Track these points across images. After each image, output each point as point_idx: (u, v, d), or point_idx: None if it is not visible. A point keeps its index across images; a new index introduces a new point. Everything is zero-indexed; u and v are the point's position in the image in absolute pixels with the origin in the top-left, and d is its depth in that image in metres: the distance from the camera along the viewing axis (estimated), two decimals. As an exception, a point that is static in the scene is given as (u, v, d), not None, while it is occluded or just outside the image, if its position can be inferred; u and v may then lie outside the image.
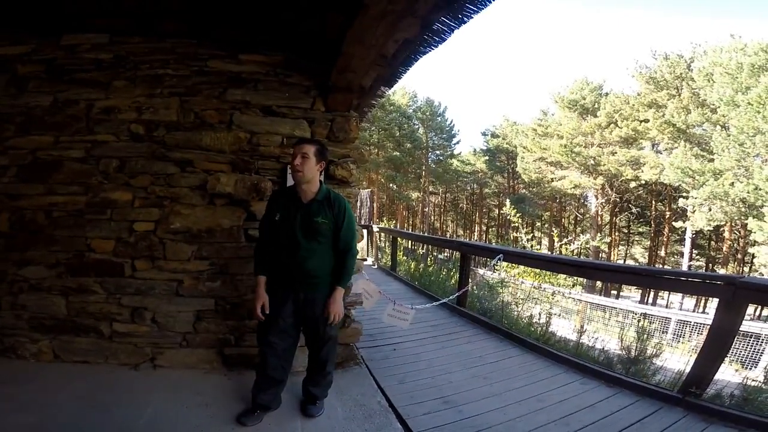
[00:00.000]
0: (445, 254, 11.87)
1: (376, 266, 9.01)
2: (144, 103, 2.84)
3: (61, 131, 2.80)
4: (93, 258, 2.79)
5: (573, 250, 9.85)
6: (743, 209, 15.79)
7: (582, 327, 5.15)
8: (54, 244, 2.78)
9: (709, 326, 2.80)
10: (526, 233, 10.99)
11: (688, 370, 2.77)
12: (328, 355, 2.37)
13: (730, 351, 3.76)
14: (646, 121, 20.97)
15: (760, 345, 7.34)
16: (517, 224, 10.17)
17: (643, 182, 22.46)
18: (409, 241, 11.19)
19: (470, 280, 5.27)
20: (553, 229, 22.76)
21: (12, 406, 2.20)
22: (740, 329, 2.91)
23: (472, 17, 2.20)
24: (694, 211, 17.98)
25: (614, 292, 22.38)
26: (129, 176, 2.81)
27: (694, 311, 14.59)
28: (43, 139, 2.80)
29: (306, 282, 2.22)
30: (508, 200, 16.07)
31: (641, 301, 18.28)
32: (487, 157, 35.48)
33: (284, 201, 2.27)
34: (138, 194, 2.81)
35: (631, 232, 30.48)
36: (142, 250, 2.80)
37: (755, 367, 6.81)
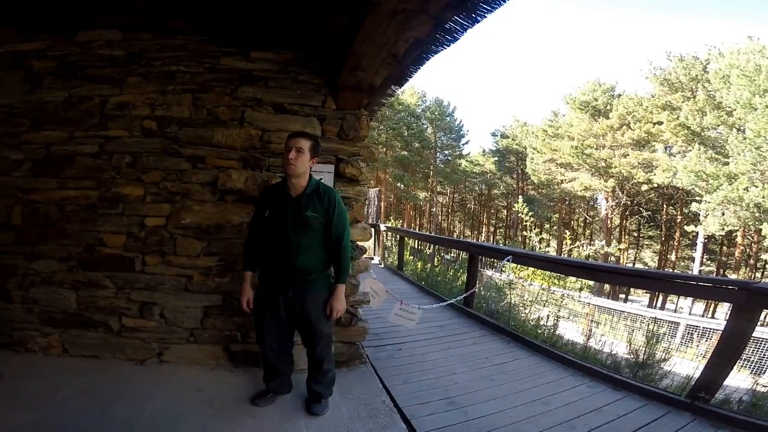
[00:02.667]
0: (452, 254, 11.81)
1: (383, 265, 9.01)
2: (157, 100, 2.86)
3: (75, 127, 2.84)
4: (104, 252, 2.82)
5: (586, 255, 9.68)
6: (758, 214, 15.51)
7: (590, 330, 5.11)
8: (65, 238, 2.81)
9: (719, 331, 2.76)
10: (536, 234, 10.90)
11: (696, 374, 2.74)
12: (323, 352, 2.35)
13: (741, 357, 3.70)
14: (660, 123, 20.66)
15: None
16: (528, 223, 10.06)
17: (655, 185, 22.15)
18: (416, 241, 11.15)
19: (478, 281, 5.24)
20: (565, 231, 22.48)
21: (18, 401, 2.22)
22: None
23: (486, 17, 2.18)
24: (707, 216, 17.70)
25: (622, 295, 22.15)
26: (141, 172, 2.84)
27: (703, 316, 14.37)
28: (56, 134, 2.83)
29: (296, 278, 2.19)
30: (520, 197, 15.91)
31: (649, 305, 18.03)
32: (496, 158, 35.30)
33: (274, 196, 2.26)
34: (149, 189, 2.84)
35: (641, 235, 30.12)
36: (152, 245, 2.83)
37: (763, 373, 6.70)
